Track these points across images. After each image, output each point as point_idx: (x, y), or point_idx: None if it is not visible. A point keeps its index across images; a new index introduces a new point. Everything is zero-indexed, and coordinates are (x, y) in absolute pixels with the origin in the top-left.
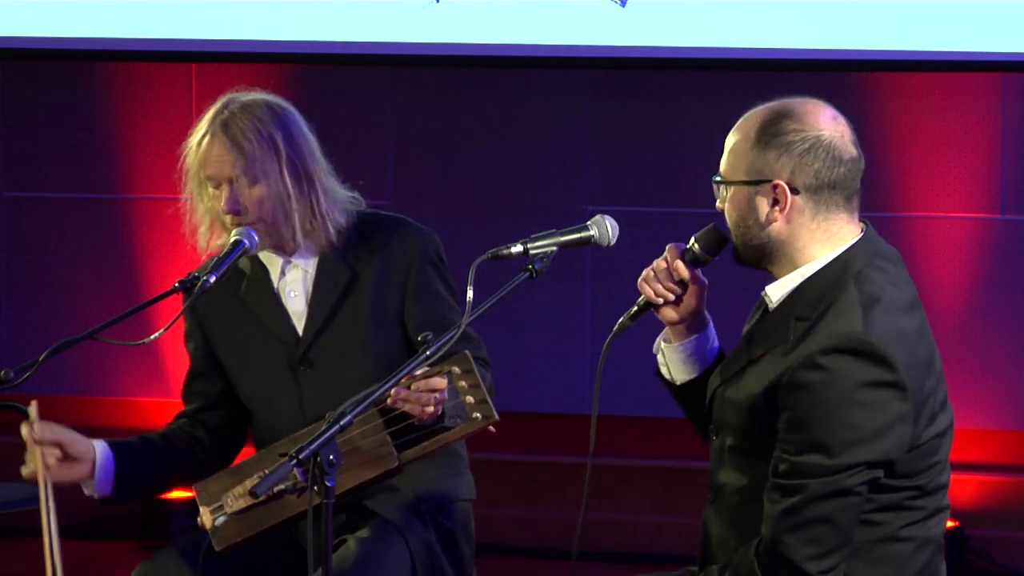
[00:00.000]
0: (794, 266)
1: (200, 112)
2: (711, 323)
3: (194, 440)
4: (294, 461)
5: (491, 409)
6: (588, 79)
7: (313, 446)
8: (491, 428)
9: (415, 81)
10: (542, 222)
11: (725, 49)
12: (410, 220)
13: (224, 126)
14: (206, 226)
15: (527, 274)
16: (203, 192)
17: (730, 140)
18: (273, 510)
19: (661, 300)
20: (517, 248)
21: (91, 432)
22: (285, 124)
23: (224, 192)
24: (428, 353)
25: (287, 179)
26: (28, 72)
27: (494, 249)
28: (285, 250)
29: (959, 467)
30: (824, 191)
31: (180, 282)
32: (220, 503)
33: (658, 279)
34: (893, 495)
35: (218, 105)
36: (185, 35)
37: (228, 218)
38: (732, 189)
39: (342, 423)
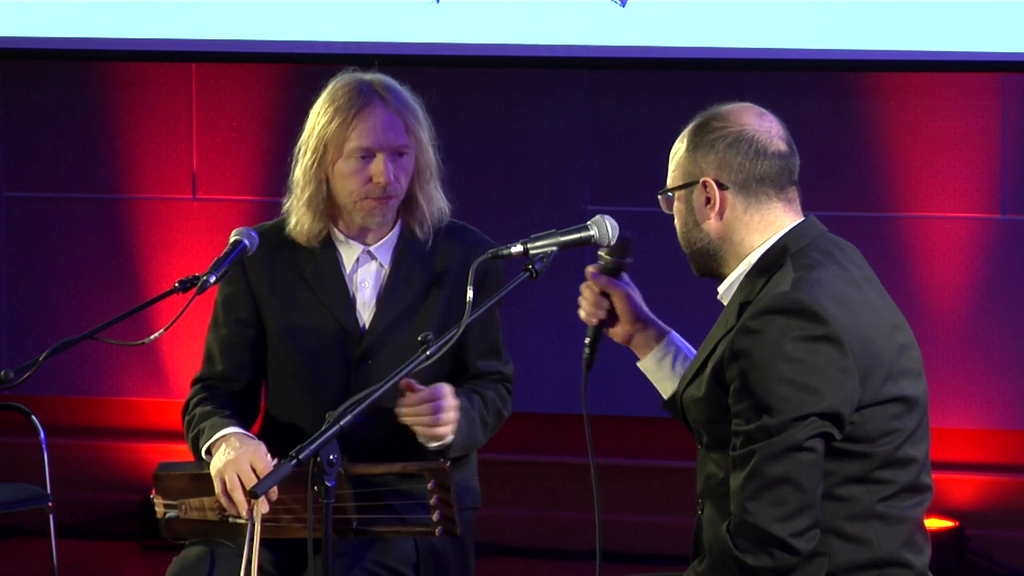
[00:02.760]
0: (739, 260)
1: (200, 112)
2: (673, 332)
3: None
4: (294, 461)
5: (455, 527)
6: (588, 79)
7: (313, 446)
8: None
9: (415, 81)
10: (542, 222)
11: (725, 49)
12: (487, 238)
13: (392, 96)
14: (308, 206)
15: (527, 274)
16: (332, 162)
17: (672, 151)
18: (221, 528)
19: (595, 320)
20: (517, 248)
21: (91, 432)
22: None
23: (381, 161)
24: (428, 353)
25: (428, 158)
26: (28, 72)
27: (494, 249)
28: (367, 238)
29: (959, 467)
30: (752, 184)
31: (180, 282)
32: (176, 503)
33: (587, 301)
34: (856, 463)
35: (350, 82)
36: (185, 35)
37: (365, 189)
38: (674, 197)
39: (342, 423)
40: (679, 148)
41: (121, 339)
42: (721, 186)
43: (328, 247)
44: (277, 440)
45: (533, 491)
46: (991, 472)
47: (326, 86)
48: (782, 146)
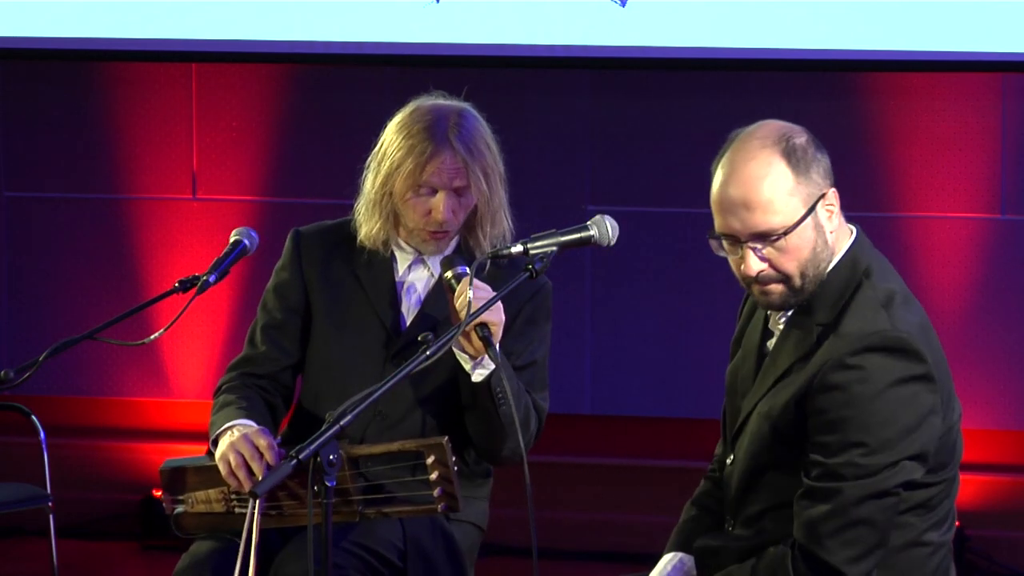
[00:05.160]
0: (826, 270)
1: (200, 112)
2: None
3: (274, 410)
4: (294, 461)
5: (457, 503)
6: (588, 79)
7: (313, 446)
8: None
9: (415, 81)
10: (542, 222)
11: (725, 49)
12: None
13: (459, 137)
14: (378, 218)
15: (527, 274)
16: (402, 192)
17: (761, 194)
18: (228, 521)
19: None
20: (517, 248)
21: (91, 432)
22: (491, 136)
23: (442, 200)
24: (428, 353)
25: (490, 189)
26: (28, 72)
27: (494, 249)
28: (423, 250)
29: (959, 467)
30: (832, 179)
31: (180, 282)
32: (183, 498)
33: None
34: (922, 492)
35: (426, 114)
36: (185, 35)
37: (424, 221)
38: (794, 233)
39: (342, 423)
40: (777, 187)
41: (121, 339)
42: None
43: (386, 250)
44: (304, 431)
45: (534, 491)
46: (991, 472)
47: (410, 102)
48: None
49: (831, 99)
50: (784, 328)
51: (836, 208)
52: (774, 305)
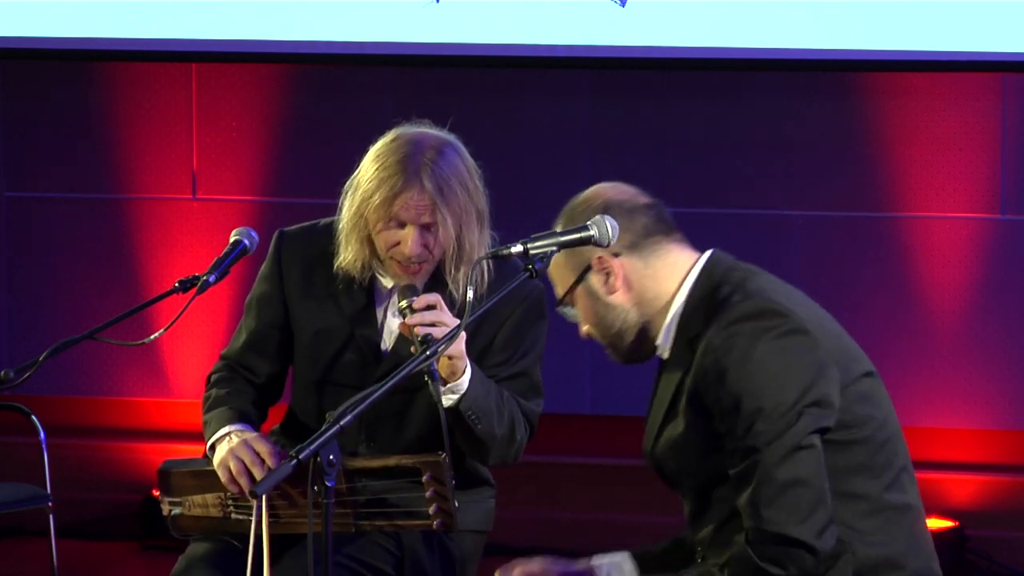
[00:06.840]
0: (665, 312)
1: (200, 112)
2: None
3: (262, 407)
4: (294, 461)
5: (453, 520)
6: (588, 79)
7: (313, 446)
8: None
9: (415, 81)
10: (542, 222)
11: (725, 49)
12: (530, 292)
13: (430, 175)
14: (354, 245)
15: (527, 274)
16: (373, 221)
17: (549, 270)
18: (226, 524)
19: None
20: (517, 248)
21: (91, 432)
22: (472, 173)
23: (411, 234)
24: (428, 353)
25: (466, 228)
26: (28, 72)
27: (494, 249)
28: (397, 281)
29: (959, 467)
30: (639, 240)
31: (180, 282)
32: (180, 500)
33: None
34: (856, 451)
35: (404, 145)
36: (185, 35)
37: (393, 253)
38: (578, 302)
39: (342, 423)
40: (555, 259)
41: (121, 339)
42: (613, 255)
43: (366, 273)
44: (296, 440)
45: (534, 491)
46: (991, 472)
47: (388, 131)
48: (644, 199)
49: (831, 99)
50: (664, 364)
51: (614, 271)
52: (620, 361)
